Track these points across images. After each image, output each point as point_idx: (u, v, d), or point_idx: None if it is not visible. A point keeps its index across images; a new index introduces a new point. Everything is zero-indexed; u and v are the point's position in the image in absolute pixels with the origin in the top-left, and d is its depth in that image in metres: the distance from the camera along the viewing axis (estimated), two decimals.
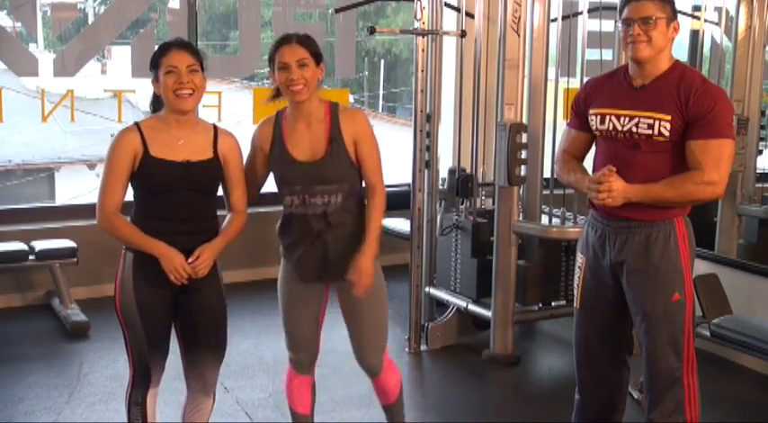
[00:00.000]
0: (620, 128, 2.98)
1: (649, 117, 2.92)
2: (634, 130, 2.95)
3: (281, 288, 3.22)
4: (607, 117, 3.01)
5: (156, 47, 2.92)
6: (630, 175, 2.90)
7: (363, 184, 3.11)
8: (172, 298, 2.94)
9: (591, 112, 3.08)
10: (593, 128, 3.08)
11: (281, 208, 3.14)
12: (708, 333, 4.14)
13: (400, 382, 3.41)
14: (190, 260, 2.86)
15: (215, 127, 3.00)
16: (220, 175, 2.96)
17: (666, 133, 2.90)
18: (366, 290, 2.99)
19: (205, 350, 3.02)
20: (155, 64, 2.86)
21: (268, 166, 3.09)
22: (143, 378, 2.98)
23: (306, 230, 3.04)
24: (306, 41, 3.00)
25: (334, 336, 3.45)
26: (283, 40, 2.99)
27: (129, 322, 2.91)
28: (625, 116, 2.97)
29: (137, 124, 2.89)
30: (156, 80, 2.87)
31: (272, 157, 3.05)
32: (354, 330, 3.21)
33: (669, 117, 2.89)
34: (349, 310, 3.18)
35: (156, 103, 2.96)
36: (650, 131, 2.92)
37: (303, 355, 3.25)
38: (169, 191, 2.86)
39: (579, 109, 3.17)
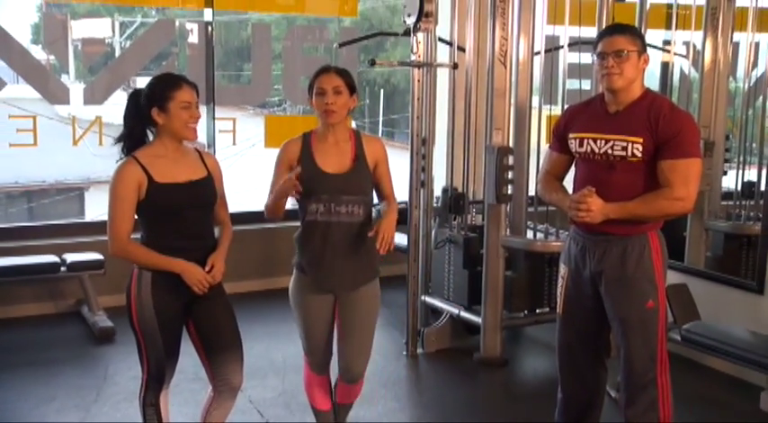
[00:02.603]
0: (597, 150, 2.99)
1: (623, 140, 2.93)
2: (609, 152, 2.96)
3: (296, 297, 3.18)
4: (585, 140, 3.02)
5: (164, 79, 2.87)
6: (607, 194, 2.91)
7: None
8: (185, 308, 2.94)
9: (570, 136, 3.09)
10: (573, 150, 3.09)
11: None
12: (678, 337, 4.14)
13: (360, 391, 3.40)
14: (206, 269, 2.87)
15: (196, 149, 3.02)
16: (216, 191, 2.98)
17: (639, 154, 2.91)
18: (387, 245, 2.92)
19: (229, 351, 3.00)
20: (165, 96, 2.81)
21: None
22: (157, 381, 2.97)
23: (327, 239, 3.04)
24: (342, 72, 3.08)
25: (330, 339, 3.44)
26: (323, 70, 3.07)
27: (149, 335, 2.89)
28: (601, 139, 2.98)
29: (133, 157, 2.84)
30: (162, 111, 2.81)
31: (300, 170, 3.06)
32: (349, 342, 3.18)
33: (641, 140, 2.90)
34: (348, 316, 3.16)
35: (140, 133, 2.90)
36: (624, 153, 2.93)
37: (321, 357, 3.24)
38: (178, 211, 2.86)
39: (560, 133, 3.18)
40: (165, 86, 2.83)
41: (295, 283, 3.19)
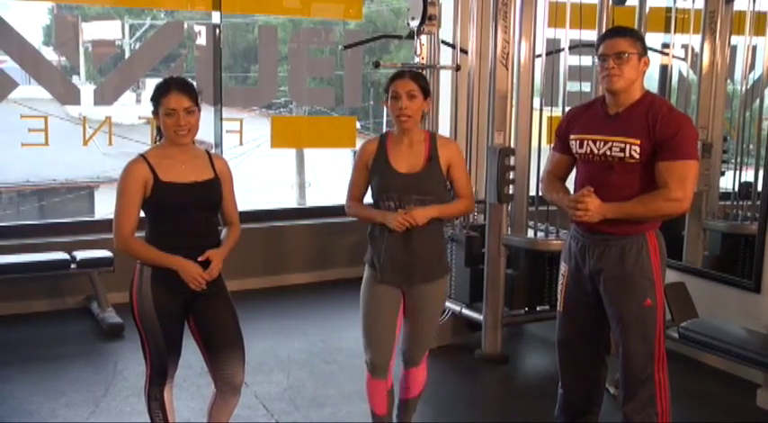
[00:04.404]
0: (596, 151, 2.98)
1: (621, 141, 2.92)
2: (608, 153, 2.95)
3: (365, 292, 3.18)
4: (585, 142, 3.02)
5: (162, 82, 2.88)
6: (606, 194, 2.90)
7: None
8: (185, 304, 2.94)
9: (571, 137, 3.09)
10: (574, 151, 3.09)
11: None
12: (677, 335, 4.13)
13: (425, 381, 3.40)
14: (200, 259, 2.86)
15: (207, 151, 3.04)
16: (221, 192, 2.98)
17: (637, 156, 2.90)
18: (408, 221, 2.98)
19: (229, 349, 2.99)
20: (156, 102, 2.85)
21: (369, 177, 3.14)
22: (160, 376, 2.98)
23: (396, 236, 3.05)
24: (417, 77, 3.10)
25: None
26: (398, 75, 3.11)
27: (149, 328, 2.90)
28: (600, 141, 2.97)
29: (142, 156, 2.88)
30: (156, 114, 2.87)
31: (374, 168, 3.12)
32: (414, 327, 3.23)
33: (639, 141, 2.89)
34: (416, 309, 3.19)
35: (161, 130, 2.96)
36: (622, 154, 2.92)
37: (380, 356, 3.20)
38: (181, 210, 2.86)
39: (561, 135, 3.18)
40: (156, 92, 2.86)
41: (366, 278, 3.20)
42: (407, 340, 3.28)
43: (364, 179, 3.18)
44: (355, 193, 3.22)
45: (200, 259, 2.86)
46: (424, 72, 4.76)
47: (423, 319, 3.22)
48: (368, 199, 3.26)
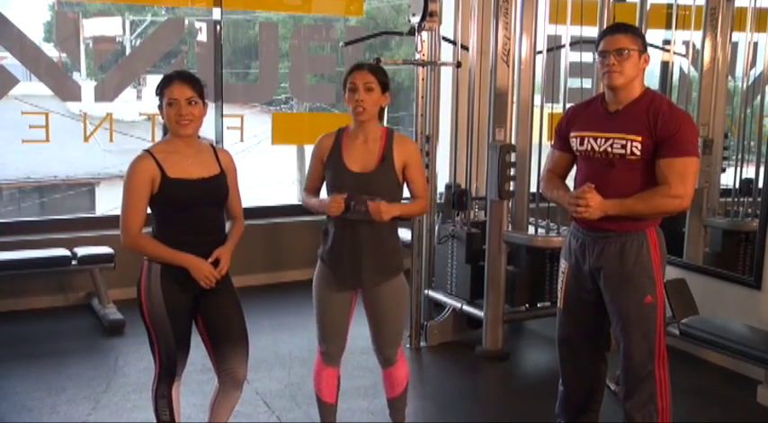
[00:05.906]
0: (597, 148, 2.98)
1: (622, 138, 2.92)
2: (609, 150, 2.95)
3: (316, 286, 3.19)
4: (586, 139, 3.02)
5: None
6: (606, 191, 2.90)
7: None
8: (194, 301, 2.94)
9: (572, 134, 3.09)
10: (574, 149, 3.09)
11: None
12: (677, 332, 4.13)
13: (407, 377, 3.38)
14: (210, 260, 2.86)
15: (212, 145, 3.03)
16: (228, 187, 2.97)
17: (638, 153, 2.90)
18: (378, 216, 2.94)
19: (234, 344, 2.99)
20: (160, 93, 2.84)
21: (323, 173, 3.12)
22: (169, 373, 2.97)
23: (345, 234, 3.05)
24: (375, 69, 3.05)
25: None
26: (356, 67, 3.06)
27: (158, 326, 2.89)
28: (601, 138, 2.97)
29: (148, 152, 2.85)
30: (161, 108, 2.85)
31: (328, 164, 3.09)
32: (376, 327, 3.21)
33: (640, 138, 2.89)
34: (374, 310, 3.18)
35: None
36: (623, 151, 2.92)
37: (333, 347, 3.22)
38: (189, 207, 2.85)
39: (562, 132, 3.18)
40: (160, 84, 2.85)
41: (317, 272, 3.20)
42: (375, 341, 3.25)
43: (320, 173, 3.15)
44: (310, 185, 3.20)
45: (209, 261, 2.86)
46: (424, 68, 4.76)
47: (384, 320, 3.19)
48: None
